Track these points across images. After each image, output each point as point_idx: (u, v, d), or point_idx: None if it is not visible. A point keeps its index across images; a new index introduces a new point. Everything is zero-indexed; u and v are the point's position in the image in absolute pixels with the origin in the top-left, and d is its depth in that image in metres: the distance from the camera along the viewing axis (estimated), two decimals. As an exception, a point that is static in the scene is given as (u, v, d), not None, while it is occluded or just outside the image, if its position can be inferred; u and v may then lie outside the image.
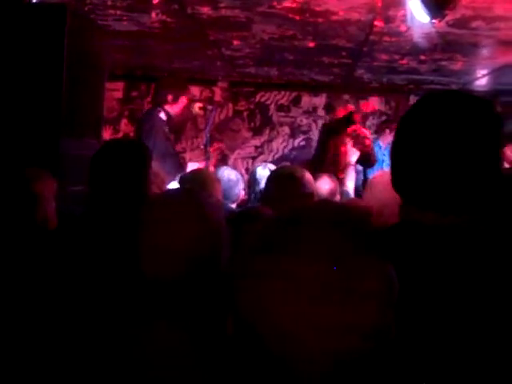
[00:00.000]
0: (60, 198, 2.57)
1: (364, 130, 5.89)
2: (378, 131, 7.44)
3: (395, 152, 1.37)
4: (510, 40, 4.62)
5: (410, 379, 1.11)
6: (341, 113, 5.78)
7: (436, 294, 1.18)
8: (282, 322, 0.85)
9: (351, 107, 5.89)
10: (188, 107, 5.37)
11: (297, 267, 0.85)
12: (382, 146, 6.94)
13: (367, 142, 5.54)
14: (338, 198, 3.93)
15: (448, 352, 1.14)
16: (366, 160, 5.51)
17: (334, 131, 5.58)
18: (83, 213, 2.24)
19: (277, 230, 0.92)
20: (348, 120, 5.55)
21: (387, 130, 7.06)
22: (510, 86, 6.88)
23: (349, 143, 5.32)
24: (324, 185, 3.84)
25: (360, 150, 5.30)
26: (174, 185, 4.65)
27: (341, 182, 4.55)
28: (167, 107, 5.15)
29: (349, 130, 5.51)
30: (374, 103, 6.91)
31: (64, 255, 2.01)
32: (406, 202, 1.34)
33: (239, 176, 3.84)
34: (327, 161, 5.47)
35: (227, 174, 3.71)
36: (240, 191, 3.79)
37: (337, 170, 5.14)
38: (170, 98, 5.16)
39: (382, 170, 5.37)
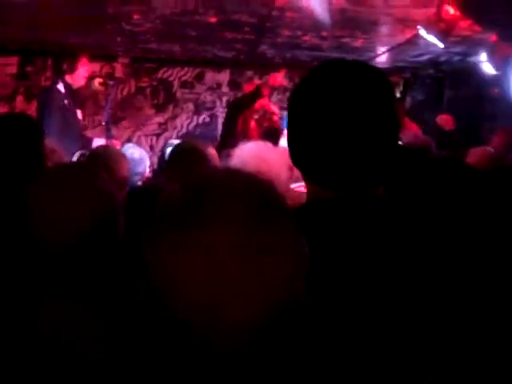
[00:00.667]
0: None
1: (272, 107, 5.90)
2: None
3: (290, 126, 1.35)
4: (406, 18, 4.73)
5: (318, 345, 1.10)
6: (248, 88, 5.77)
7: (335, 269, 1.18)
8: (194, 293, 0.84)
9: (258, 82, 5.89)
10: (88, 78, 5.21)
11: (206, 238, 0.85)
12: None
13: (275, 118, 5.54)
14: None
15: (352, 318, 1.15)
16: (274, 136, 5.52)
17: (242, 106, 5.55)
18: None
19: (185, 201, 0.91)
20: (256, 94, 5.52)
21: None
22: (407, 63, 7.09)
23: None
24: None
25: (268, 126, 5.31)
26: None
27: None
28: (67, 78, 5.02)
29: (257, 105, 5.50)
30: (282, 78, 6.92)
31: None
32: (306, 178, 1.33)
33: (144, 153, 3.80)
34: (237, 137, 5.45)
35: (131, 152, 3.65)
36: (145, 168, 3.75)
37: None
38: (65, 67, 5.02)
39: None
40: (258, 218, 0.87)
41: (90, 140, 5.25)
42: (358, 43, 6.02)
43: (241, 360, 0.87)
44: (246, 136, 5.38)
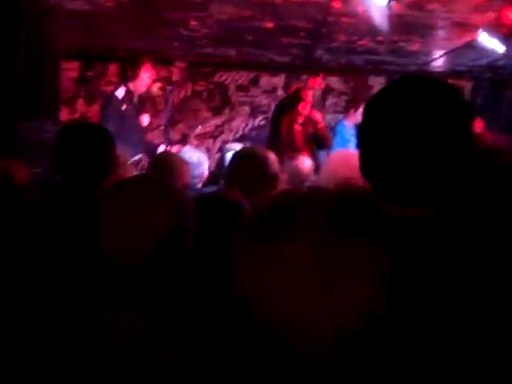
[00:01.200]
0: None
1: (316, 115, 5.90)
2: (344, 111, 7.42)
3: (361, 140, 1.32)
4: (464, 22, 4.67)
5: (399, 359, 1.12)
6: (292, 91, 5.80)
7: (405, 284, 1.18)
8: (278, 307, 0.88)
9: (299, 85, 5.89)
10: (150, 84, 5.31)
11: (291, 254, 0.88)
12: (348, 126, 6.88)
13: (319, 126, 5.55)
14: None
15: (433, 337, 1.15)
16: (322, 143, 5.51)
17: (284, 109, 5.55)
18: (46, 197, 2.21)
19: (270, 218, 0.94)
20: (296, 96, 5.52)
21: (352, 110, 7.05)
22: (464, 67, 6.98)
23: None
24: (305, 163, 3.85)
25: (313, 133, 5.31)
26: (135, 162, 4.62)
27: None
28: (129, 84, 5.13)
29: (300, 108, 5.49)
30: (321, 81, 6.89)
31: (27, 240, 1.97)
32: (374, 191, 1.31)
33: (202, 156, 3.83)
34: (283, 141, 5.46)
35: (189, 155, 3.70)
36: (203, 171, 3.78)
37: (294, 149, 5.14)
38: (129, 73, 5.15)
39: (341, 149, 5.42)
40: (340, 235, 0.90)
41: (151, 144, 5.35)
42: (415, 47, 5.97)
43: (329, 372, 0.90)
44: (291, 139, 5.38)
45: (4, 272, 1.88)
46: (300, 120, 5.41)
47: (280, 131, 5.51)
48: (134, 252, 1.32)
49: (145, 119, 5.30)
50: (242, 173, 2.67)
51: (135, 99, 5.20)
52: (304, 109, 5.52)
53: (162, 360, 1.20)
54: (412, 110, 1.23)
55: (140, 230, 1.33)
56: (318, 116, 5.76)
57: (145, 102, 5.20)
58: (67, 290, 1.68)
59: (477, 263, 1.19)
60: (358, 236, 0.92)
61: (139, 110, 5.24)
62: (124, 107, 5.18)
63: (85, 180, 2.14)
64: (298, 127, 5.40)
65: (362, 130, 1.32)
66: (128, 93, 5.14)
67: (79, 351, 1.23)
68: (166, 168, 3.01)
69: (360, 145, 1.33)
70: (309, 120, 5.45)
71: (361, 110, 5.63)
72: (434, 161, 1.21)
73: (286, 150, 4.83)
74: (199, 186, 3.71)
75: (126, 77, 5.23)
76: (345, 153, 2.81)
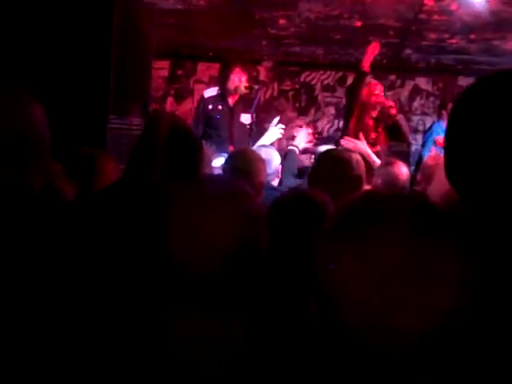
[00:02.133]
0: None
1: (388, 101, 5.50)
2: (438, 114, 7.20)
3: (448, 144, 1.24)
4: None
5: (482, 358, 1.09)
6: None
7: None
8: (365, 305, 0.90)
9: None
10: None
11: (376, 252, 0.91)
12: (444, 127, 6.62)
13: (392, 111, 5.09)
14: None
15: None
16: (396, 135, 5.07)
17: (354, 90, 5.16)
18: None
19: (357, 218, 0.96)
20: (358, 71, 5.12)
21: (444, 113, 6.87)
22: None
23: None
24: (402, 170, 3.73)
25: (388, 123, 4.97)
26: (218, 162, 4.68)
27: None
28: (221, 85, 5.22)
29: (373, 100, 5.13)
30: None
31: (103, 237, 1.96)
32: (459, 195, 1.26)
33: (273, 153, 3.81)
34: (351, 136, 5.10)
35: (264, 151, 3.68)
36: (277, 167, 3.77)
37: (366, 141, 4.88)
38: (221, 74, 5.25)
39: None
40: (425, 236, 0.92)
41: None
42: (509, 45, 5.77)
43: (406, 366, 0.92)
44: (364, 134, 5.02)
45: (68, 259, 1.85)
46: (373, 114, 5.08)
47: (348, 124, 5.16)
48: (205, 263, 1.25)
49: (245, 118, 5.35)
50: (325, 173, 2.67)
51: (230, 99, 5.28)
52: (377, 102, 5.13)
53: (237, 369, 1.18)
54: (503, 110, 1.15)
55: (212, 240, 1.25)
56: (390, 102, 5.33)
57: (238, 102, 5.25)
58: (137, 290, 1.62)
59: None
60: (444, 237, 0.93)
61: (234, 109, 5.31)
62: (211, 106, 5.27)
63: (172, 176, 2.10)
64: (370, 121, 5.11)
65: (448, 135, 1.24)
66: (220, 93, 5.24)
67: (148, 358, 1.19)
68: (240, 165, 3.02)
69: (446, 149, 1.27)
70: (382, 110, 5.09)
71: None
72: None
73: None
74: (274, 182, 3.70)
75: (218, 77, 5.33)
76: None
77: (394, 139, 5.23)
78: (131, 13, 3.56)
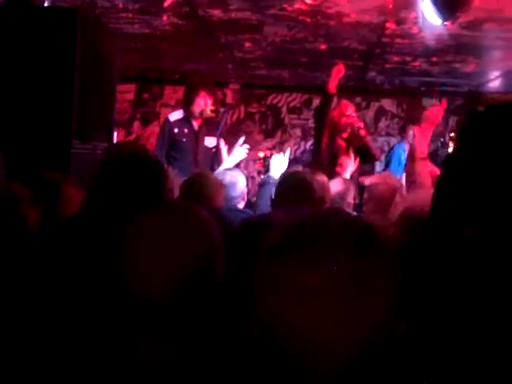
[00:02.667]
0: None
1: (357, 121, 5.54)
2: (401, 134, 7.27)
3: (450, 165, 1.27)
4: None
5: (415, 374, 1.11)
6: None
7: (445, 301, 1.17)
8: (299, 329, 0.91)
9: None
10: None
11: (308, 279, 0.91)
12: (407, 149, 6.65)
13: (361, 132, 5.13)
14: (348, 200, 3.83)
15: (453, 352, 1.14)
16: (367, 156, 5.13)
17: (320, 112, 5.17)
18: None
19: (292, 242, 0.96)
20: (324, 93, 5.13)
21: (404, 135, 6.95)
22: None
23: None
24: (334, 186, 3.74)
25: (358, 145, 5.00)
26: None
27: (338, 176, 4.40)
28: (188, 107, 5.19)
29: (343, 122, 5.16)
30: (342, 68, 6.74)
31: (57, 262, 1.94)
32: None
33: (239, 176, 3.78)
34: (323, 155, 5.10)
35: (225, 176, 3.65)
36: (242, 191, 3.72)
37: (334, 163, 4.88)
38: (184, 97, 5.24)
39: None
40: (359, 262, 0.92)
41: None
42: (470, 68, 5.89)
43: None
44: (335, 156, 5.02)
45: (26, 292, 1.85)
46: (344, 135, 5.09)
47: (320, 146, 5.15)
48: (159, 288, 1.27)
49: (210, 141, 5.33)
50: (288, 196, 2.67)
51: (195, 123, 5.26)
52: (347, 123, 5.14)
53: None
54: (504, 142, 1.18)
55: (165, 265, 1.27)
56: (360, 123, 5.35)
57: (203, 125, 5.23)
58: (95, 316, 1.61)
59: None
60: (376, 258, 0.94)
61: (199, 133, 5.30)
62: (176, 130, 5.24)
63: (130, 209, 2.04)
64: (342, 142, 5.12)
65: (454, 157, 1.27)
66: (185, 116, 5.21)
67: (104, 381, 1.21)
68: (199, 190, 2.99)
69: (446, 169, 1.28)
70: (352, 131, 5.11)
71: (411, 132, 5.38)
72: None
73: (328, 167, 4.61)
74: (240, 205, 3.67)
75: (183, 101, 5.31)
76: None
77: (364, 161, 5.25)
78: (95, 37, 3.54)
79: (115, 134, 5.96)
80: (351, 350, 0.91)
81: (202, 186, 3.05)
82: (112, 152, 2.28)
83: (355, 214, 3.49)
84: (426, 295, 1.17)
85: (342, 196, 3.75)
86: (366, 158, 5.21)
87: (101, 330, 1.38)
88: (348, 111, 5.17)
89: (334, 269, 0.91)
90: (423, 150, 3.14)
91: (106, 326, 1.38)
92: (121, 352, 1.24)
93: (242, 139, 4.85)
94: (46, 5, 3.47)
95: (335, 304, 0.90)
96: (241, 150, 4.80)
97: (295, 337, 0.92)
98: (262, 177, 4.55)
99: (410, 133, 6.40)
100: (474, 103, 6.53)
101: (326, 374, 0.92)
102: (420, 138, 3.11)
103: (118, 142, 4.86)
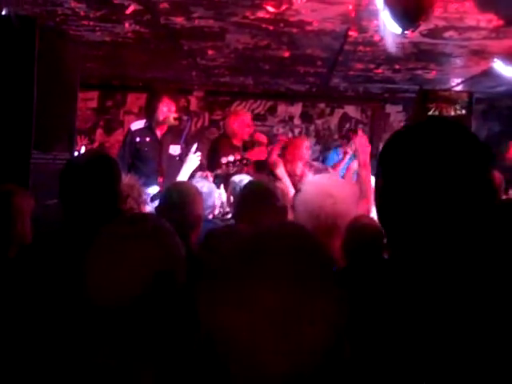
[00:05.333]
0: (33, 211, 2.54)
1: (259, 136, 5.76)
2: (346, 138, 7.30)
3: (381, 192, 1.28)
4: (481, 49, 4.66)
5: None
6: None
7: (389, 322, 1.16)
8: (239, 343, 0.90)
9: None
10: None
11: (254, 294, 0.90)
12: (339, 155, 6.58)
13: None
14: None
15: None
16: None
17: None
18: (55, 230, 2.20)
19: (236, 258, 0.96)
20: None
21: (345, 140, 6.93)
22: (483, 95, 6.95)
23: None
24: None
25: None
26: (153, 190, 4.61)
27: None
28: (151, 115, 5.15)
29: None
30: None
31: (22, 275, 1.95)
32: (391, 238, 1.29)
33: (212, 186, 3.79)
34: None
35: (200, 185, 3.64)
36: (214, 202, 3.73)
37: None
38: (148, 106, 5.18)
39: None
40: (302, 280, 0.92)
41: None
42: (432, 75, 5.97)
43: None
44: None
45: None
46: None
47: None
48: (120, 295, 1.30)
49: (174, 149, 5.29)
50: (251, 205, 2.65)
51: (158, 131, 5.22)
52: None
53: None
54: (430, 155, 1.20)
55: (127, 272, 1.31)
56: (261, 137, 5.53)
57: (167, 133, 5.19)
58: (54, 328, 1.67)
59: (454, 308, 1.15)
60: (317, 278, 0.94)
61: (163, 141, 5.26)
62: (138, 139, 5.20)
63: (87, 214, 2.11)
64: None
65: (380, 171, 1.29)
66: (147, 125, 5.17)
67: None
68: (179, 199, 2.96)
69: (379, 197, 1.29)
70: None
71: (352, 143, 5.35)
72: (452, 207, 1.18)
73: None
74: (210, 216, 3.66)
75: (146, 109, 5.25)
76: (325, 180, 2.72)
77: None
78: (55, 45, 3.49)
79: (78, 142, 5.91)
80: (289, 373, 0.89)
81: (182, 196, 3.02)
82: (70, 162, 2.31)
83: None
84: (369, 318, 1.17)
85: None
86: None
87: (60, 341, 1.43)
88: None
89: (283, 286, 0.90)
90: (365, 158, 3.24)
91: (65, 337, 1.42)
92: (78, 361, 1.25)
93: (194, 146, 4.84)
94: (3, 13, 3.40)
95: (277, 325, 0.89)
96: (194, 158, 4.79)
97: (237, 351, 0.91)
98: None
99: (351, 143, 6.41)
100: (425, 101, 6.58)
101: None
102: (361, 147, 3.23)
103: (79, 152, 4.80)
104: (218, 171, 4.95)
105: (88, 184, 2.12)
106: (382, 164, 1.28)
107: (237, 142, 5.68)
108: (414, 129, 1.30)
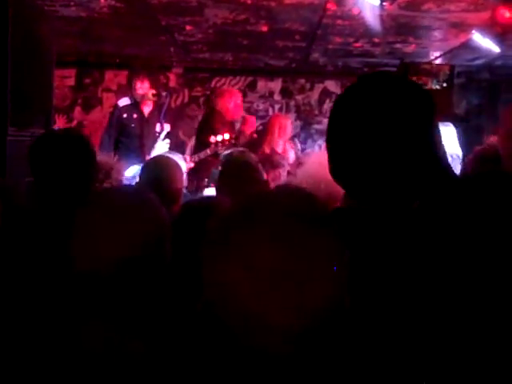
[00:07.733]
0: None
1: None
2: None
3: (329, 142, 1.35)
4: (460, 22, 4.66)
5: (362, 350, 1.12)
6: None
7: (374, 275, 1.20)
8: (243, 304, 0.91)
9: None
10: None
11: (255, 255, 0.91)
12: None
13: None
14: None
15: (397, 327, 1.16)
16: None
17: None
18: (28, 206, 2.19)
19: (235, 221, 0.97)
20: None
21: None
22: (462, 68, 6.96)
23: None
24: None
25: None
26: (131, 171, 4.61)
27: None
28: (132, 92, 5.21)
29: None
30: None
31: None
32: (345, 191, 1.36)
33: (181, 160, 3.80)
34: None
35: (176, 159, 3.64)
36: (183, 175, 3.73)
37: None
38: (127, 83, 5.26)
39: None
40: (300, 238, 0.93)
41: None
42: (411, 48, 5.96)
43: (288, 363, 0.93)
44: None
45: None
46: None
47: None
48: (108, 261, 1.32)
49: (161, 126, 5.32)
50: (231, 178, 2.65)
51: (146, 108, 5.25)
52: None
53: (133, 372, 1.20)
54: (375, 109, 1.26)
55: (111, 238, 1.33)
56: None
57: (154, 111, 5.22)
58: (41, 301, 1.65)
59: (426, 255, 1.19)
60: (317, 232, 0.95)
61: (149, 119, 5.28)
62: (125, 115, 5.23)
63: (61, 189, 2.10)
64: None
65: (329, 131, 1.35)
66: (134, 102, 5.22)
67: (53, 363, 1.22)
68: (159, 173, 2.96)
69: (328, 146, 1.35)
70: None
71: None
72: (395, 161, 1.24)
73: None
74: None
75: (127, 85, 5.32)
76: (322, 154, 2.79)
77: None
78: (28, 20, 3.43)
79: (56, 120, 5.87)
80: (293, 329, 0.91)
81: (161, 170, 3.01)
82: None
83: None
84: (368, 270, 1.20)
85: None
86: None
87: (47, 313, 1.40)
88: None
89: (284, 244, 0.91)
90: None
91: (52, 309, 1.40)
92: (66, 334, 1.26)
93: (164, 133, 4.90)
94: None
95: (283, 278, 0.90)
96: (162, 144, 4.85)
97: (242, 312, 0.91)
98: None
99: None
100: (406, 73, 6.59)
101: (266, 353, 0.92)
102: None
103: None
104: (208, 151, 4.99)
105: (57, 161, 2.12)
106: (331, 119, 1.36)
107: (228, 119, 5.69)
108: (356, 85, 1.36)
